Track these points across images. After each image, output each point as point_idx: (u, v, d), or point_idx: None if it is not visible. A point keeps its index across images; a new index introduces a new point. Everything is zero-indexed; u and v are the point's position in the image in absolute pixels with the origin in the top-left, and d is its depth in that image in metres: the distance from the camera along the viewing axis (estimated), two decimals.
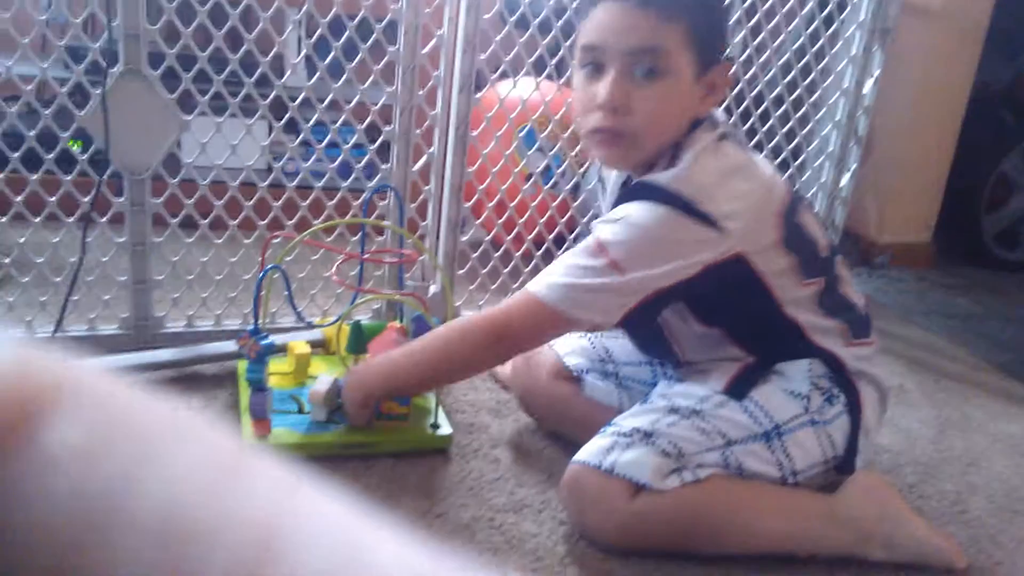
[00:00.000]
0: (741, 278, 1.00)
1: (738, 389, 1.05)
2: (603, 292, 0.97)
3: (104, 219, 1.29)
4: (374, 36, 1.34)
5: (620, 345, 1.23)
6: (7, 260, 1.31)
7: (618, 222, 0.97)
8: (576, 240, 1.65)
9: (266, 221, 1.38)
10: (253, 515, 0.17)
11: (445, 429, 1.19)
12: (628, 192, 1.02)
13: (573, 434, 1.19)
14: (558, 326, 1.02)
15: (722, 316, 1.07)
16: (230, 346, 1.31)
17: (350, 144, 1.40)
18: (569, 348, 1.23)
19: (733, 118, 1.62)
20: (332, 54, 1.32)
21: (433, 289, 1.52)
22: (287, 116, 1.34)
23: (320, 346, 1.35)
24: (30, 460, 0.16)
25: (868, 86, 1.71)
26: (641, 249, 0.96)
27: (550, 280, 0.99)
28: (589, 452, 1.02)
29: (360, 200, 1.42)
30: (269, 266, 1.14)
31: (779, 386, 1.05)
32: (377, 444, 1.14)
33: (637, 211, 0.97)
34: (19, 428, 0.17)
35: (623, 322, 1.02)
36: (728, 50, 1.02)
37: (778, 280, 1.02)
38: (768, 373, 1.06)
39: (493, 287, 1.58)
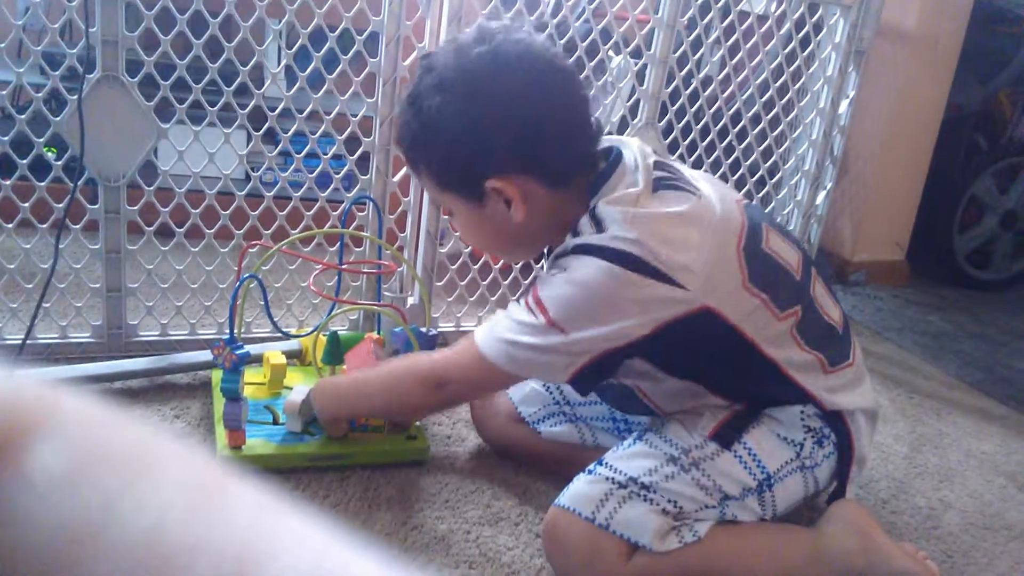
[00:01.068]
0: (711, 330, 0.94)
1: (728, 435, 1.00)
2: (544, 352, 0.92)
3: (78, 226, 1.28)
4: (355, 47, 1.35)
5: None
6: None
7: (558, 277, 0.93)
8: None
9: (243, 230, 1.37)
10: (230, 542, 0.17)
11: (422, 441, 1.18)
12: (567, 251, 0.95)
13: (541, 469, 1.19)
14: (498, 382, 1.01)
15: (695, 368, 1.01)
16: (204, 356, 1.29)
17: (329, 155, 1.39)
18: (523, 395, 1.21)
19: (710, 136, 1.64)
20: (312, 65, 1.32)
21: (411, 301, 1.51)
22: (266, 126, 1.33)
23: (295, 356, 1.34)
24: (10, 486, 0.17)
25: (843, 106, 1.74)
26: (582, 308, 0.91)
27: (493, 333, 0.95)
28: (577, 499, 0.96)
29: (339, 211, 1.41)
30: (246, 275, 1.13)
31: (773, 429, 1.01)
32: (354, 455, 1.13)
33: (580, 267, 0.91)
34: (2, 454, 0.17)
35: (577, 383, 0.96)
36: (506, 158, 0.94)
37: (751, 322, 0.96)
38: (760, 416, 1.02)
39: (471, 299, 1.58)
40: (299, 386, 1.15)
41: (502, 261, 1.59)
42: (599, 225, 0.93)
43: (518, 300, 0.97)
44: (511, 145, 0.93)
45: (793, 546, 1.02)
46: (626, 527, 0.93)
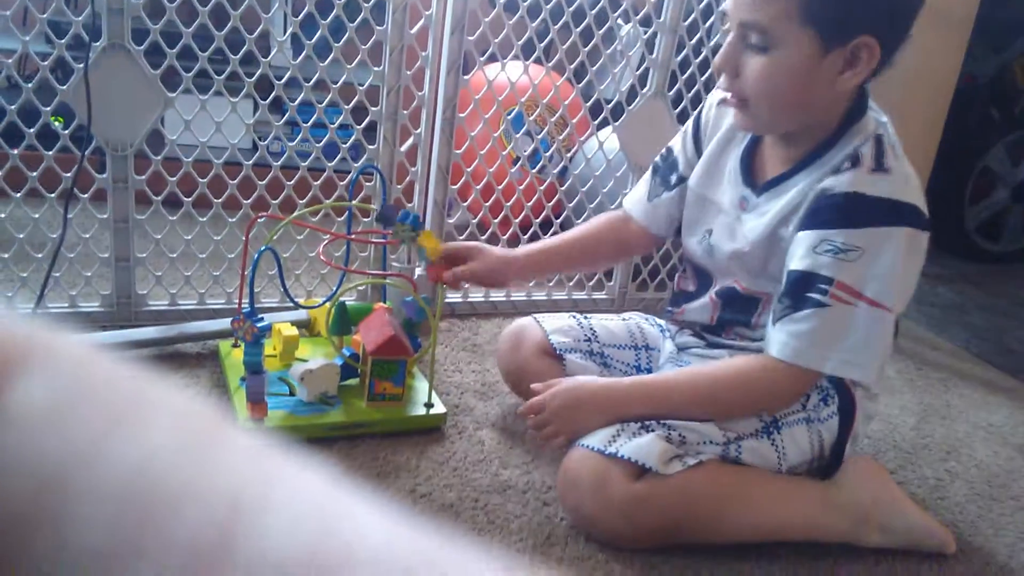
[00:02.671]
0: None
1: None
2: (885, 339, 0.97)
3: (86, 195, 1.28)
4: (362, 15, 1.33)
5: (605, 327, 1.23)
6: None
7: (859, 260, 0.93)
8: (563, 227, 1.65)
9: (251, 200, 1.37)
10: (222, 488, 0.16)
11: (439, 408, 1.19)
12: (840, 206, 0.94)
13: None
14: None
15: None
16: (214, 325, 1.30)
17: (336, 124, 1.39)
18: (556, 326, 1.22)
19: None
20: (319, 33, 1.31)
21: (418, 271, 1.51)
22: (273, 95, 1.32)
23: (304, 327, 1.34)
24: None
25: None
26: (898, 280, 0.94)
27: (856, 358, 0.96)
28: (591, 437, 1.00)
29: (346, 181, 1.41)
30: (263, 247, 1.13)
31: None
32: (374, 424, 1.14)
33: (878, 243, 0.93)
34: None
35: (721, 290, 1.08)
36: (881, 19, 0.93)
37: None
38: None
39: None
40: (316, 358, 1.15)
41: (511, 230, 1.59)
42: (878, 154, 0.97)
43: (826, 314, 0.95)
44: (902, 20, 0.95)
45: (806, 493, 1.03)
46: (633, 451, 0.96)
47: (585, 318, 1.24)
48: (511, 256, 1.19)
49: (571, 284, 1.67)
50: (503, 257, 1.17)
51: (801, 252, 0.96)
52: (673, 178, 1.19)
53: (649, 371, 1.20)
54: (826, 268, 0.94)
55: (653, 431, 0.98)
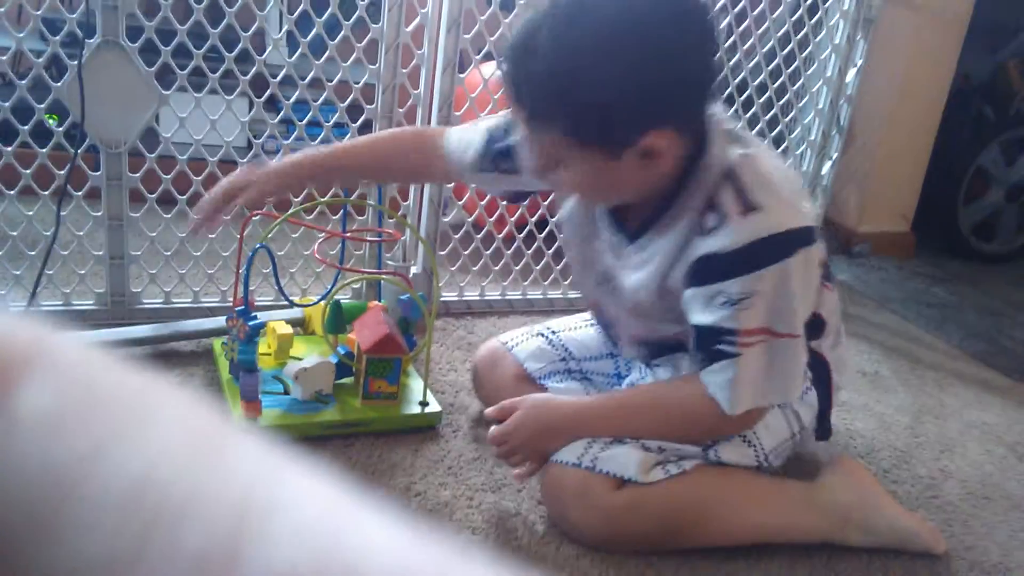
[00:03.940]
0: None
1: None
2: (798, 363, 0.96)
3: (80, 193, 1.27)
4: (357, 13, 1.33)
5: (578, 341, 1.21)
6: None
7: (759, 303, 0.90)
8: (559, 226, 1.65)
9: None
10: (230, 492, 0.16)
11: (434, 407, 1.19)
12: (727, 264, 0.90)
13: None
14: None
15: None
16: (208, 323, 1.30)
17: (331, 122, 1.38)
18: (528, 352, 1.20)
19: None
20: (314, 31, 1.31)
21: (414, 269, 1.51)
22: (268, 93, 1.32)
23: (298, 325, 1.34)
24: None
25: (851, 75, 1.72)
26: (800, 303, 0.93)
27: (779, 386, 0.96)
28: (564, 451, 0.99)
29: None
30: (257, 246, 1.13)
31: None
32: (370, 423, 1.14)
33: (772, 281, 0.90)
34: None
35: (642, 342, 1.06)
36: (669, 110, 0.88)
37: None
38: None
39: (474, 268, 1.58)
40: (311, 357, 1.15)
41: (506, 229, 1.59)
42: (741, 194, 0.90)
43: (748, 359, 0.92)
44: (681, 100, 0.88)
45: (787, 492, 1.04)
46: (610, 463, 0.96)
47: (554, 333, 1.22)
48: (290, 166, 1.08)
49: (566, 283, 1.67)
50: (278, 173, 1.08)
51: (699, 306, 0.93)
52: (507, 165, 1.08)
53: (627, 375, 1.20)
54: (728, 320, 0.91)
55: (625, 443, 0.98)
